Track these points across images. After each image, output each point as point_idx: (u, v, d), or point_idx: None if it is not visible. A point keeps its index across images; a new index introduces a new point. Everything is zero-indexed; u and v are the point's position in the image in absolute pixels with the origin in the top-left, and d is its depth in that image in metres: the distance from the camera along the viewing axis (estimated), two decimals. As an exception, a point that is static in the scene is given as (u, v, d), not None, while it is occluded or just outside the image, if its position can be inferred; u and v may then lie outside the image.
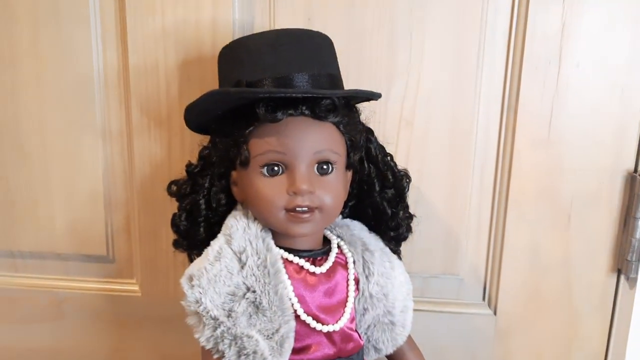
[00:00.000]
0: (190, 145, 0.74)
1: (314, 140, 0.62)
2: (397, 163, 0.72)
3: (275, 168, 0.62)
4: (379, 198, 0.71)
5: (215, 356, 0.59)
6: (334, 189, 0.64)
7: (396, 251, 0.75)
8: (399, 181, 0.72)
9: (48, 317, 0.89)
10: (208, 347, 0.59)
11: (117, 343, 0.89)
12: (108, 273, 0.88)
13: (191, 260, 0.69)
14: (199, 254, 0.65)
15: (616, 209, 0.80)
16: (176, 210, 0.69)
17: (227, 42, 0.66)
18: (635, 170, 0.79)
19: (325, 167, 0.63)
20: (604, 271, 0.82)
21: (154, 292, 0.87)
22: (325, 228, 0.71)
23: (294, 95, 0.60)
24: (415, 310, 0.75)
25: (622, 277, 0.82)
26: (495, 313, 0.86)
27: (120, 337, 0.89)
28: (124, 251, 0.87)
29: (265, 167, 0.62)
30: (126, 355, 0.90)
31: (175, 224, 0.69)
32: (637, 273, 0.80)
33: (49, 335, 0.89)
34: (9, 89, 0.84)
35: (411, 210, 0.74)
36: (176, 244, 0.70)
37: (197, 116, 0.66)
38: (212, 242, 0.64)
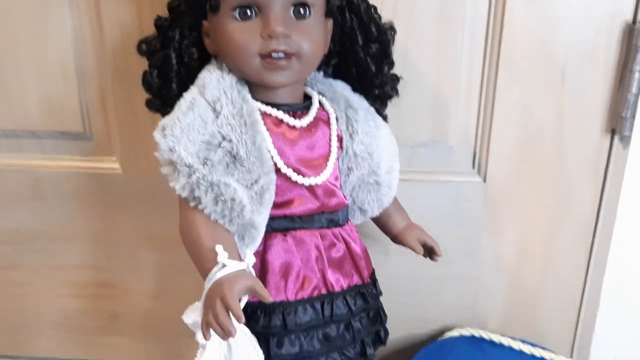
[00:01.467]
0: (161, 7, 0.69)
1: (288, -21, 0.58)
2: (383, 21, 0.68)
3: (248, 11, 0.58)
4: (363, 53, 0.67)
5: (192, 204, 0.57)
6: (311, 34, 0.60)
7: (381, 113, 0.72)
8: (383, 34, 0.68)
9: (27, 197, 0.86)
10: (184, 195, 0.56)
11: (100, 222, 0.87)
12: (86, 151, 0.84)
13: (165, 120, 0.65)
14: (174, 112, 0.62)
15: (612, 63, 0.76)
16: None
17: None
18: (634, 22, 0.74)
19: (302, 10, 0.60)
20: (598, 131, 0.79)
21: (135, 169, 0.84)
22: (306, 84, 0.68)
23: None
24: (403, 180, 0.74)
25: (616, 138, 0.79)
26: (485, 180, 0.83)
27: (103, 217, 0.87)
28: (101, 127, 0.83)
29: (237, 10, 0.58)
30: (110, 234, 0.88)
31: (146, 81, 0.65)
32: (631, 131, 0.77)
33: (30, 216, 0.87)
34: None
35: (398, 73, 0.71)
36: (149, 104, 0.67)
37: (162, -41, 0.61)
38: (184, 94, 0.60)
